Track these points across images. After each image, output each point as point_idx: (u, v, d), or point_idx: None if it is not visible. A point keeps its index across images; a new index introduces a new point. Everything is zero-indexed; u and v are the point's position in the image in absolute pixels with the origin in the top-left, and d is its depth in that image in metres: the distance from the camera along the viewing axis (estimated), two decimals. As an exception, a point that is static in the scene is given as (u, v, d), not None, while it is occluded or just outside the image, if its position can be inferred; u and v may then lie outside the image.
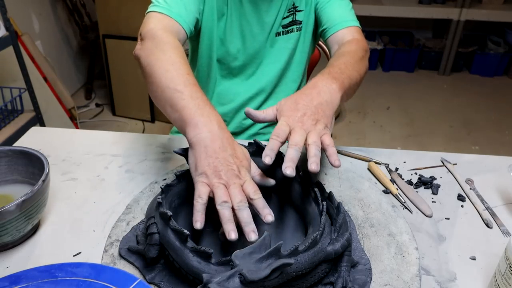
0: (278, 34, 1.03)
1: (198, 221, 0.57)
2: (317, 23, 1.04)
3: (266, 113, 0.72)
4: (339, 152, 0.92)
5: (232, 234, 0.55)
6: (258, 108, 1.09)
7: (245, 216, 0.57)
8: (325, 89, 0.71)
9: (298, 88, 1.12)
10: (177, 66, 0.71)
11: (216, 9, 0.96)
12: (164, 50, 0.75)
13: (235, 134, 1.12)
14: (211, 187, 0.60)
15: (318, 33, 1.04)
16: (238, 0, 0.97)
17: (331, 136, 0.69)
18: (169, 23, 0.84)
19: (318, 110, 0.68)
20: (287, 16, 1.01)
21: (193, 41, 1.06)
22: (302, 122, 0.66)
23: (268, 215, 0.58)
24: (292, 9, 1.01)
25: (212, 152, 0.61)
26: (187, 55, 1.11)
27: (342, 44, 0.93)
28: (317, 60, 1.40)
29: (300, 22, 1.03)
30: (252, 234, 0.56)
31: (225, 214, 0.57)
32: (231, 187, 0.59)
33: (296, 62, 1.08)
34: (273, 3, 0.99)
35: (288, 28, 1.03)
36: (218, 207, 0.58)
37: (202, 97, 0.67)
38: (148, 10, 0.87)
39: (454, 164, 0.89)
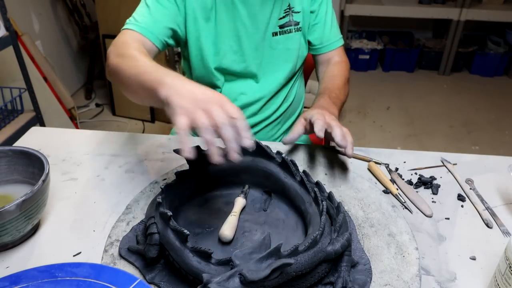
0: (275, 34, 1.02)
1: (186, 150, 0.57)
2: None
3: (297, 131, 0.84)
4: (339, 152, 0.92)
5: (217, 157, 0.57)
6: (260, 109, 1.09)
7: (229, 134, 0.58)
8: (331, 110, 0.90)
9: (290, 86, 1.13)
10: (143, 60, 0.74)
11: (200, 16, 0.96)
12: (131, 55, 0.77)
13: None
14: (190, 117, 0.58)
15: (307, 39, 1.08)
16: (230, 2, 0.96)
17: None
18: (137, 37, 0.88)
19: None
20: (283, 17, 1.02)
21: (183, 50, 1.05)
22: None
23: (246, 138, 0.58)
24: (288, 10, 1.02)
25: (187, 91, 0.61)
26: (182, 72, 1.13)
27: (332, 64, 1.10)
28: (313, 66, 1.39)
29: (298, 23, 1.03)
30: (234, 154, 0.57)
31: (208, 138, 0.57)
32: (213, 109, 0.58)
33: (299, 63, 1.09)
34: (266, 2, 0.98)
35: (286, 29, 1.03)
36: (202, 133, 0.57)
37: (166, 69, 0.68)
38: (122, 28, 0.91)
39: (454, 164, 0.89)
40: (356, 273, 0.60)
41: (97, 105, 2.84)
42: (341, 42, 1.12)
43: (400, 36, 3.53)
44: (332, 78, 1.06)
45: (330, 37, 1.09)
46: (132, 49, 0.80)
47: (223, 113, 0.58)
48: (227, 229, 0.66)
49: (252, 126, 1.11)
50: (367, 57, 3.38)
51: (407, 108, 2.93)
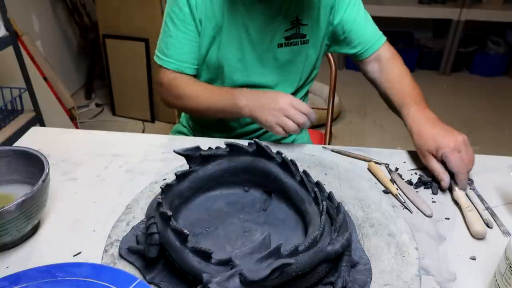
0: (280, 45, 1.01)
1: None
2: (334, 39, 1.06)
3: (438, 170, 0.83)
4: (339, 152, 0.92)
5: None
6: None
7: (307, 126, 0.89)
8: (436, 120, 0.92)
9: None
10: (203, 90, 0.98)
11: (209, 26, 0.97)
12: (192, 94, 0.97)
13: (240, 137, 1.11)
14: (282, 125, 0.86)
15: (350, 53, 1.08)
16: (237, 11, 0.96)
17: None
18: (175, 75, 1.00)
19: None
20: (290, 29, 1.00)
21: None
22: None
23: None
24: (295, 22, 1.00)
25: (263, 105, 0.88)
26: None
27: (387, 63, 1.06)
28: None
29: (304, 36, 1.02)
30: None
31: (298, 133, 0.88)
32: (293, 114, 0.86)
33: (304, 76, 1.09)
34: (273, 13, 0.97)
35: (291, 41, 1.01)
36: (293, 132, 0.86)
37: (230, 89, 0.95)
38: (155, 59, 1.03)
39: (454, 164, 0.89)
40: (356, 273, 0.60)
41: (97, 105, 2.84)
42: (383, 38, 1.08)
43: (400, 36, 3.53)
44: (400, 80, 1.04)
45: (369, 38, 1.06)
46: (187, 86, 0.98)
47: (300, 115, 0.85)
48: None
49: (255, 131, 1.11)
50: (367, 57, 3.38)
51: (407, 108, 2.92)
